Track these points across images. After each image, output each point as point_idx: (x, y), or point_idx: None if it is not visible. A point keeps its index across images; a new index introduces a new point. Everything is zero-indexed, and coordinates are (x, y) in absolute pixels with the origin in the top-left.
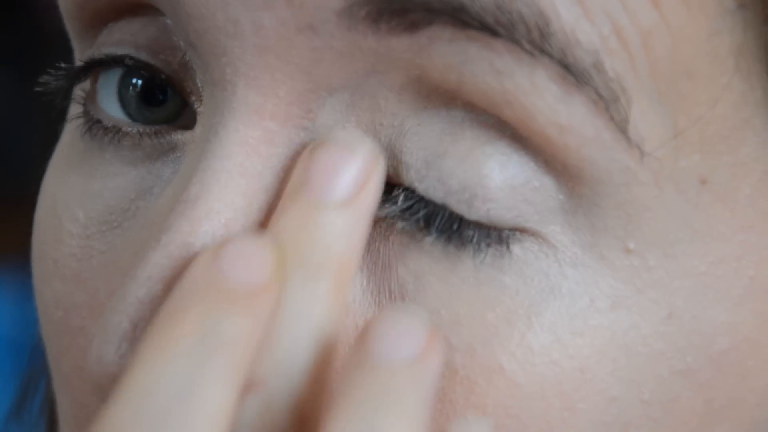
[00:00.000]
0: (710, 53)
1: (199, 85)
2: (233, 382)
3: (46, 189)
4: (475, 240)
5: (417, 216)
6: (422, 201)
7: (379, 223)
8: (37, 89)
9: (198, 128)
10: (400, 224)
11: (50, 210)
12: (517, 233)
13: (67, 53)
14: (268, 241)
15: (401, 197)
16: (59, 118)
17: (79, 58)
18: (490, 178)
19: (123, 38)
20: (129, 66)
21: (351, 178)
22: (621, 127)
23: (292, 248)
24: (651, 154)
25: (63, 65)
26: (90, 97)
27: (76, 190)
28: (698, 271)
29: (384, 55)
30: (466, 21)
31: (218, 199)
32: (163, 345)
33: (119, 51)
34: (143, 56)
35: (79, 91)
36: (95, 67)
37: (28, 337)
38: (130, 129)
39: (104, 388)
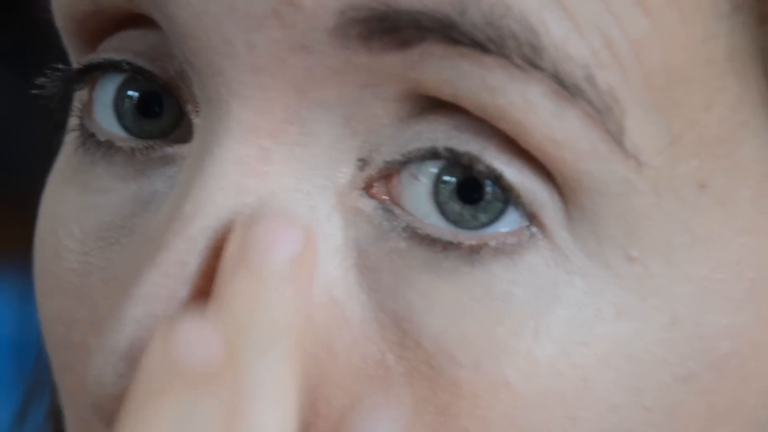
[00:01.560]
0: (705, 58)
1: (197, 99)
2: None
3: (44, 203)
4: (492, 244)
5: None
6: None
7: (385, 235)
8: (34, 91)
9: (195, 143)
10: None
11: (49, 225)
12: (532, 238)
13: (67, 53)
14: (217, 319)
15: None
16: (59, 118)
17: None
18: (504, 175)
19: (122, 45)
20: (126, 71)
21: (293, 251)
22: (616, 138)
23: (242, 323)
24: (648, 163)
25: (60, 66)
26: (86, 109)
27: (72, 205)
28: (699, 276)
29: (377, 70)
30: (456, 38)
31: (214, 217)
32: None
33: (118, 56)
34: (141, 62)
35: (77, 103)
36: (92, 71)
37: (30, 337)
38: (122, 144)
39: (103, 408)
